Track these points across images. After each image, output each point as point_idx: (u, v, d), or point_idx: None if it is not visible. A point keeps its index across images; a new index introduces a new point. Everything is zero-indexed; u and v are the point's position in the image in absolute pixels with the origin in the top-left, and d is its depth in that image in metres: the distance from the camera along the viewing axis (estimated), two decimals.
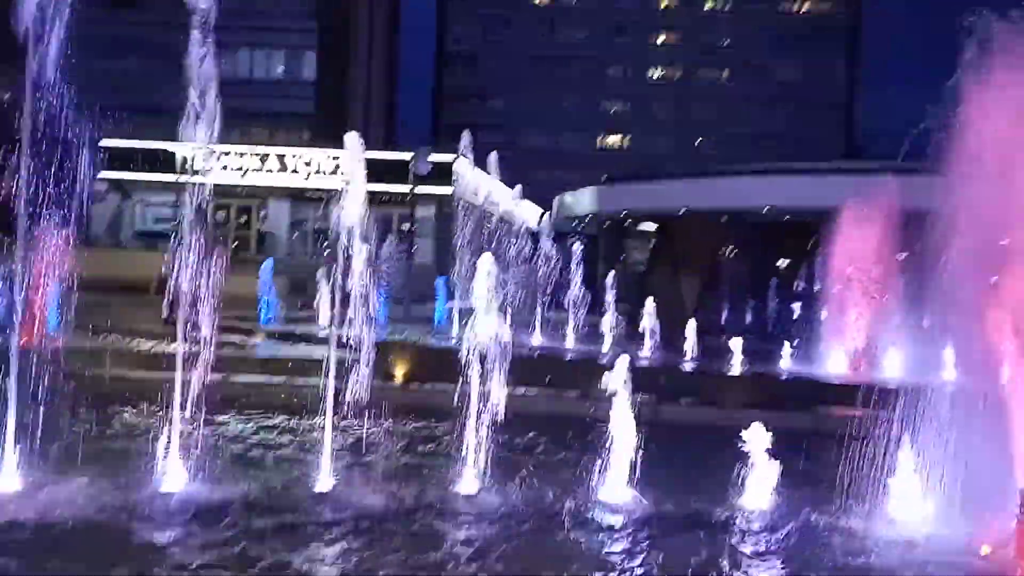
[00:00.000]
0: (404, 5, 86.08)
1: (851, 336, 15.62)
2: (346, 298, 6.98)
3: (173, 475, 6.53)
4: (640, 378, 12.00)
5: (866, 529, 6.23)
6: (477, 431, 6.79)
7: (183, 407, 6.58)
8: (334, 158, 35.72)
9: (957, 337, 7.18)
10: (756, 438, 6.59)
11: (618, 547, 5.87)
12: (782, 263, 27.74)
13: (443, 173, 33.41)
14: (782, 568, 5.67)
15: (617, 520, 6.28)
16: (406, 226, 27.96)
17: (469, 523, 6.13)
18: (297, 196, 38.61)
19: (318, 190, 35.77)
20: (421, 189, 28.87)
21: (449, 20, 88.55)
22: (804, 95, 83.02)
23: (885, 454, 6.66)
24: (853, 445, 6.85)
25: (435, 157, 29.27)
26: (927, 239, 6.59)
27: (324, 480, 6.73)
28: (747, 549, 5.85)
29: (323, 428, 6.82)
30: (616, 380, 7.07)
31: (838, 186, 17.98)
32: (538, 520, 6.16)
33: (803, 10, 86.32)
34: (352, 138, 7.23)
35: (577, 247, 22.83)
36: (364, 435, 8.17)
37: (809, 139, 77.20)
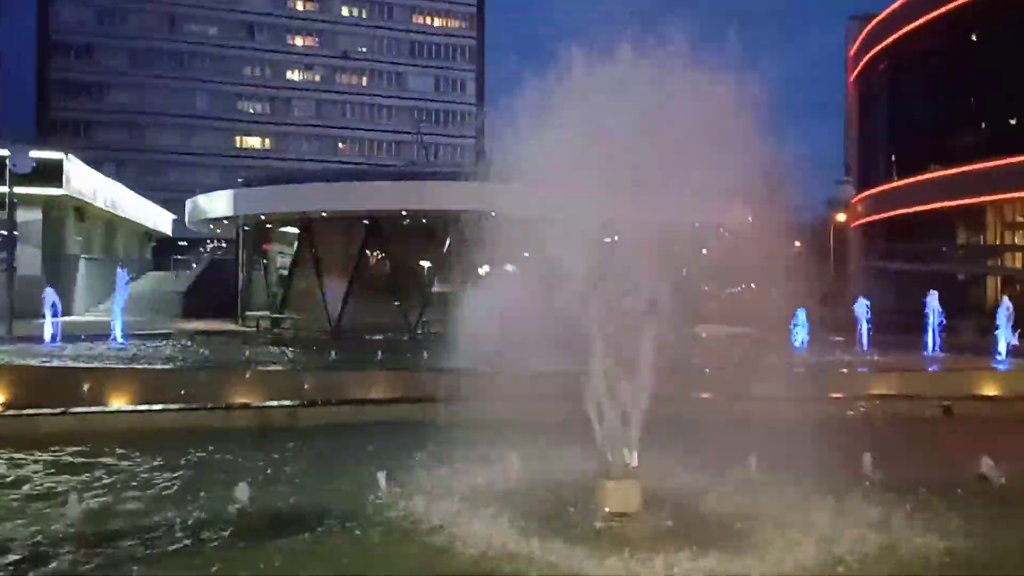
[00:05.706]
0: None
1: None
2: None
3: None
4: (279, 385, 11.69)
5: None
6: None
7: None
8: None
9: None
10: None
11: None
12: (424, 264, 28.83)
13: (51, 173, 29.51)
14: None
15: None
16: (4, 232, 24.19)
17: None
18: None
19: None
20: (21, 190, 25.19)
21: (54, 4, 78.36)
22: (436, 104, 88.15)
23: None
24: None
25: (39, 154, 25.70)
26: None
27: None
28: None
29: None
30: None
31: (468, 191, 19.00)
32: None
33: (435, 24, 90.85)
34: None
35: (212, 251, 21.62)
36: None
37: (444, 145, 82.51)
